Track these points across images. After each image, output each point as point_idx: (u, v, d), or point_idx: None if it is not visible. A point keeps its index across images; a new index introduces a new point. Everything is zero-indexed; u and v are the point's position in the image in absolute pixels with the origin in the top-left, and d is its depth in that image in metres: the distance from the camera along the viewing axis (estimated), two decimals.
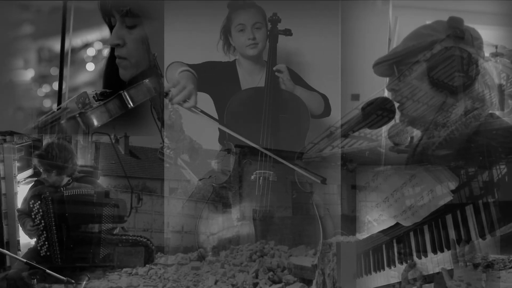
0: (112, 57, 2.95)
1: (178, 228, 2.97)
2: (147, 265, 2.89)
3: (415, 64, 2.49)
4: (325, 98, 2.96)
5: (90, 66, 3.29)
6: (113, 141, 3.01)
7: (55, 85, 3.28)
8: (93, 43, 3.27)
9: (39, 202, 2.86)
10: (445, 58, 2.43)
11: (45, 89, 3.29)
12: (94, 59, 3.31)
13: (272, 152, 2.83)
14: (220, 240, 2.88)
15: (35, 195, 2.89)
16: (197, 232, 2.88)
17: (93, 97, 2.77)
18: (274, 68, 2.91)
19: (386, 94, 2.98)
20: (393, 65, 2.54)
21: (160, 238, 2.96)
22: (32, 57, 3.34)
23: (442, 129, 2.46)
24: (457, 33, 2.44)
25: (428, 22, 2.93)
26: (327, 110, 2.97)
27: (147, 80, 2.80)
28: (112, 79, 2.91)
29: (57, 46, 3.20)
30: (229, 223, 2.88)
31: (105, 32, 3.17)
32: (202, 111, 2.86)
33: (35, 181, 2.96)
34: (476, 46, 2.47)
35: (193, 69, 2.96)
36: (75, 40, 3.23)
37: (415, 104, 2.52)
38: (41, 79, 3.33)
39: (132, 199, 2.98)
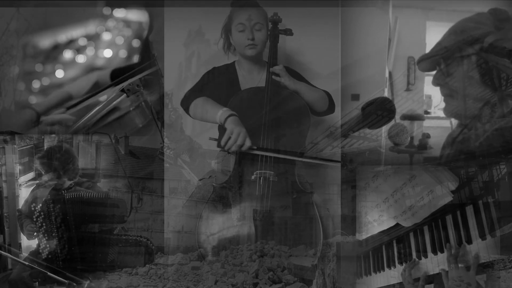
0: (144, 50, 3.05)
1: (178, 228, 2.97)
2: (147, 265, 2.89)
3: (464, 58, 2.49)
4: (328, 95, 2.95)
5: (81, 58, 3.30)
6: (113, 141, 3.02)
7: (36, 83, 3.26)
8: (78, 39, 3.28)
9: (40, 205, 2.87)
10: (497, 51, 2.43)
11: (35, 85, 3.28)
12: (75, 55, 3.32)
13: (273, 152, 2.84)
14: (220, 240, 2.88)
15: (36, 197, 2.89)
16: (197, 232, 2.88)
17: (140, 83, 2.86)
18: (271, 70, 2.90)
19: (386, 94, 2.99)
20: (440, 59, 2.53)
21: (160, 238, 2.97)
22: (16, 53, 3.33)
23: (488, 123, 2.46)
24: (506, 25, 2.44)
25: (428, 22, 2.94)
26: (331, 107, 2.95)
27: None
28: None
29: (41, 42, 3.20)
30: (229, 223, 2.88)
31: (89, 28, 3.20)
32: (258, 148, 2.85)
33: (37, 184, 2.97)
34: None
35: (198, 85, 2.99)
36: (60, 37, 3.24)
37: (464, 97, 2.52)
38: (27, 76, 3.32)
39: (132, 199, 2.98)
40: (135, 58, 3.23)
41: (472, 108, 2.52)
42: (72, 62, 3.23)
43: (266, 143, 2.85)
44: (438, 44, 2.58)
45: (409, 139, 2.90)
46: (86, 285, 2.65)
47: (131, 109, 2.86)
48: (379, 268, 2.63)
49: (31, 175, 3.04)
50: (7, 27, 3.14)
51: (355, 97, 2.97)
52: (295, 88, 2.89)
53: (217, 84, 2.99)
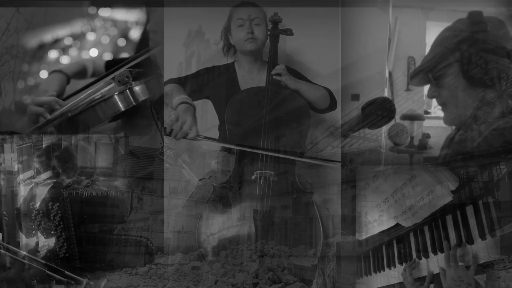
0: (142, 41, 3.06)
1: (178, 228, 2.97)
2: (147, 265, 2.89)
3: (448, 67, 2.53)
4: (329, 92, 2.95)
5: (65, 59, 3.31)
6: (113, 141, 3.02)
7: (21, 83, 3.26)
8: (63, 38, 3.29)
9: (39, 203, 2.88)
10: (474, 54, 2.45)
11: (19, 85, 3.29)
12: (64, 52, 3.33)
13: (273, 153, 2.84)
14: (220, 240, 2.88)
15: (35, 196, 2.90)
16: (197, 232, 2.88)
17: (131, 73, 2.88)
18: (272, 72, 2.90)
19: (386, 94, 2.99)
20: (428, 73, 2.57)
21: (160, 238, 2.96)
22: (16, 53, 3.34)
23: (483, 124, 2.49)
24: (480, 27, 2.48)
25: (428, 22, 2.94)
26: (333, 104, 2.94)
27: None
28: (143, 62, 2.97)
29: (28, 42, 3.21)
30: (229, 223, 2.88)
31: (75, 27, 3.22)
32: (205, 137, 2.87)
33: (35, 182, 2.97)
34: (501, 32, 2.51)
35: (190, 79, 2.98)
36: (46, 36, 3.24)
37: (456, 103, 2.55)
38: (12, 75, 3.32)
39: (132, 199, 2.98)
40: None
41: (467, 111, 2.54)
42: (57, 62, 3.24)
43: (267, 143, 2.85)
44: (425, 57, 2.63)
45: (409, 139, 2.90)
46: (84, 284, 2.65)
47: (115, 94, 2.86)
48: (379, 268, 2.64)
49: (30, 173, 3.04)
50: (7, 27, 3.14)
51: (355, 97, 2.98)
52: (295, 87, 2.89)
53: (216, 84, 2.99)
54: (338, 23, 2.97)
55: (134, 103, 2.87)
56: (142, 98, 2.90)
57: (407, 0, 3.06)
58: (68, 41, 3.25)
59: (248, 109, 2.89)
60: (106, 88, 2.87)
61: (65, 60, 3.25)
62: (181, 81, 2.98)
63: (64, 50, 3.26)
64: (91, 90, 2.90)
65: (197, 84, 2.99)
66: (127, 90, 2.84)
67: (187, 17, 3.04)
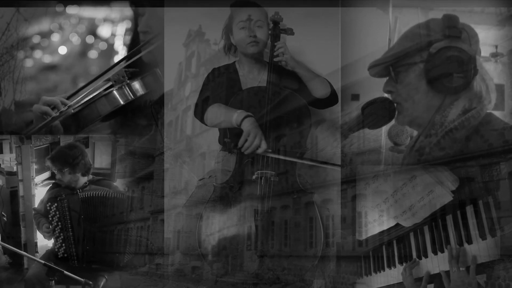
0: (133, 43, 3.07)
1: (178, 228, 2.97)
2: (147, 265, 2.89)
3: (412, 65, 2.48)
4: (329, 82, 2.92)
5: (29, 62, 3.32)
6: (113, 141, 3.03)
7: None
8: (31, 36, 3.30)
9: (55, 204, 2.89)
10: (443, 59, 2.41)
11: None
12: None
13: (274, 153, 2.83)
14: (221, 240, 2.88)
15: (52, 197, 2.92)
16: (197, 232, 2.88)
17: (125, 73, 2.91)
18: (274, 54, 2.87)
19: (386, 94, 2.99)
20: (389, 67, 2.51)
21: (160, 238, 2.97)
22: (16, 53, 3.35)
23: (440, 128, 2.46)
24: (454, 33, 2.43)
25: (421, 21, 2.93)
26: (334, 95, 2.90)
27: None
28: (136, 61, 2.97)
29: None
30: (229, 223, 2.88)
31: (43, 25, 3.23)
32: (272, 152, 2.83)
33: (52, 183, 2.98)
34: (472, 44, 2.46)
35: (204, 91, 2.98)
36: (13, 35, 3.25)
37: (413, 104, 2.51)
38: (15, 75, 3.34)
39: (132, 199, 2.99)
40: (91, 54, 3.30)
41: (424, 115, 2.50)
42: (20, 65, 3.25)
43: (267, 143, 2.84)
44: (390, 50, 2.57)
45: (409, 139, 2.90)
46: (83, 284, 2.64)
47: (114, 90, 2.88)
48: (379, 268, 2.64)
49: (46, 174, 3.06)
50: (7, 27, 3.15)
51: (355, 97, 2.97)
52: (294, 65, 2.85)
53: (218, 84, 2.98)
54: (338, 23, 2.97)
55: (132, 97, 2.89)
56: (139, 93, 2.90)
57: (407, 0, 3.06)
58: (36, 40, 3.27)
59: (249, 109, 2.88)
60: (104, 87, 2.89)
61: (29, 63, 3.27)
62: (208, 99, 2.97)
63: (33, 49, 3.27)
64: (90, 89, 2.92)
65: (198, 84, 2.99)
66: (126, 86, 2.85)
67: (187, 17, 3.04)
